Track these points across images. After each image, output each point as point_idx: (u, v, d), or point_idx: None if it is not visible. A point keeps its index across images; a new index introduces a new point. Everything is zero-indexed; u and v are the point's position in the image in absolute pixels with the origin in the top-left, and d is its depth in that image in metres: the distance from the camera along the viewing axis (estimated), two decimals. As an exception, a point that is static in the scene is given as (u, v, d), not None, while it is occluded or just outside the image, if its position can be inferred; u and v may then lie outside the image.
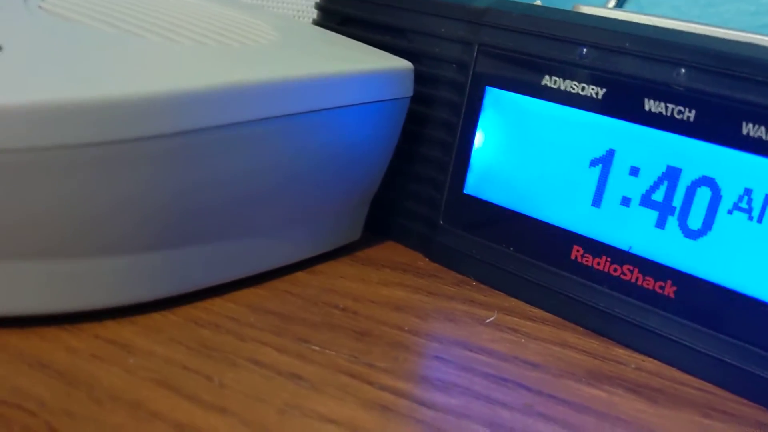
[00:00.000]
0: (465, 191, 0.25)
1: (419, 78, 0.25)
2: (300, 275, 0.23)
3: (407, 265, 0.25)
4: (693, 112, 0.20)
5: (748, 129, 0.19)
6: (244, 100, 0.18)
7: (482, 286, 0.24)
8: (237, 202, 0.20)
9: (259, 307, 0.20)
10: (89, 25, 0.20)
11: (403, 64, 0.23)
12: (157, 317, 0.19)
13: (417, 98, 0.25)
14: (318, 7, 0.29)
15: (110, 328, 0.18)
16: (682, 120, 0.20)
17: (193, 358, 0.17)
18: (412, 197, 0.26)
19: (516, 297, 0.24)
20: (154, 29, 0.20)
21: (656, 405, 0.18)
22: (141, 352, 0.17)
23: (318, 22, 0.29)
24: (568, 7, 0.25)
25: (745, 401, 0.19)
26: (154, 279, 0.19)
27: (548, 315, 0.23)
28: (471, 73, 0.24)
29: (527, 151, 0.23)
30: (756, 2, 0.39)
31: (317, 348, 0.18)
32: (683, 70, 0.20)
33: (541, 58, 0.22)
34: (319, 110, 0.20)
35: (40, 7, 0.20)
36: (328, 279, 0.23)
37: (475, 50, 0.24)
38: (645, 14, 0.23)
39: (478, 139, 0.24)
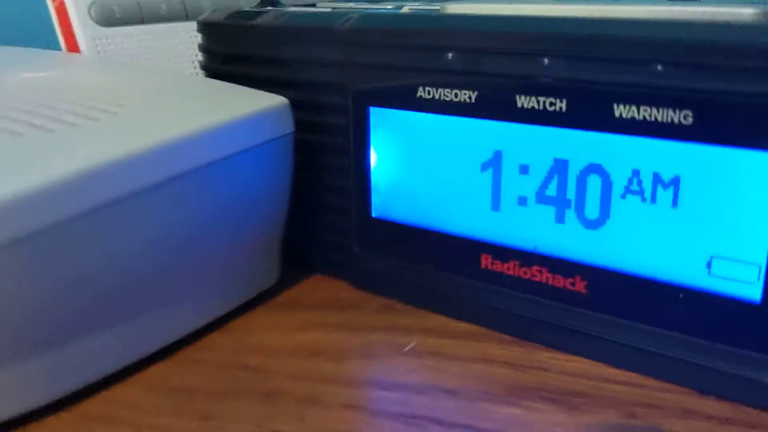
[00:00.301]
0: (372, 214, 0.24)
1: (307, 107, 0.24)
2: (213, 337, 0.22)
3: (329, 299, 0.24)
4: (564, 101, 0.19)
5: (620, 110, 0.18)
6: (108, 178, 0.18)
7: (407, 308, 0.23)
8: (127, 281, 0.19)
9: (162, 385, 0.19)
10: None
11: (277, 100, 0.22)
12: (50, 420, 0.18)
13: (307, 127, 0.24)
14: (201, 49, 0.28)
15: (0, 445, 0.17)
16: (555, 111, 0.19)
17: (87, 462, 0.17)
18: (325, 227, 0.26)
19: (439, 313, 0.23)
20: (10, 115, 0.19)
21: (576, 413, 0.18)
22: (31, 466, 0.16)
23: (203, 65, 0.28)
24: (438, 6, 0.24)
25: (670, 387, 0.18)
26: (41, 385, 0.18)
27: (473, 328, 0.22)
28: (350, 94, 0.23)
29: (421, 165, 0.22)
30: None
31: (219, 423, 0.18)
32: (544, 61, 0.19)
33: (412, 70, 0.21)
34: (194, 169, 0.20)
35: None
36: (242, 336, 0.22)
37: (351, 71, 0.23)
38: (510, 3, 0.22)
39: (373, 159, 0.23)
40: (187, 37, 0.38)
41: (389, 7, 0.26)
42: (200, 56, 0.29)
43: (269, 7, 0.28)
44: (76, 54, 0.34)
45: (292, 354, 0.21)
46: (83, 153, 0.18)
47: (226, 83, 0.25)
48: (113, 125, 0.20)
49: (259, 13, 0.26)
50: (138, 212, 0.18)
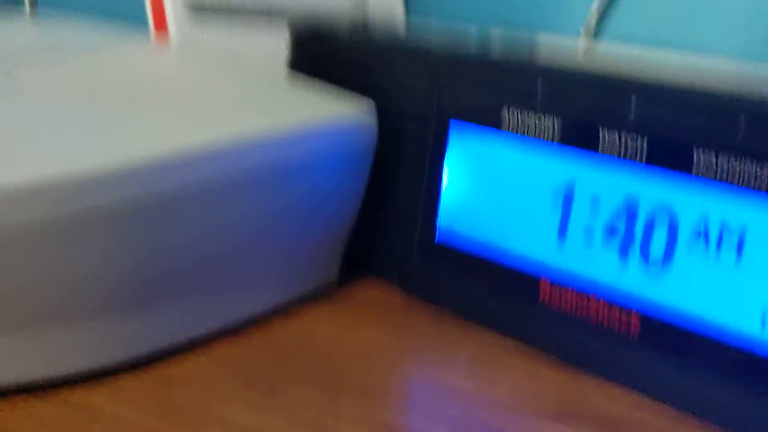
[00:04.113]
0: (437, 225, 0.25)
1: (388, 115, 0.25)
2: (275, 323, 0.23)
3: (384, 302, 0.25)
4: (645, 140, 0.20)
5: (700, 155, 0.19)
6: (201, 161, 0.19)
7: (458, 320, 0.24)
8: (205, 261, 0.20)
9: (230, 359, 0.20)
10: (54, 99, 0.20)
11: (365, 105, 0.24)
12: (127, 378, 0.19)
13: (386, 135, 0.25)
14: (288, 48, 0.30)
15: (80, 393, 0.18)
16: (636, 148, 0.20)
17: (162, 421, 0.18)
18: (388, 233, 0.27)
19: (490, 330, 0.24)
20: (106, 97, 0.21)
21: (623, 439, 0.18)
22: (109, 417, 0.18)
23: (289, 63, 0.30)
24: (528, 38, 0.25)
25: (712, 427, 0.19)
26: (124, 342, 0.19)
27: (522, 347, 0.23)
28: (435, 108, 0.24)
29: (492, 184, 0.23)
30: (732, 18, 0.39)
31: (286, 401, 0.19)
32: (633, 98, 0.20)
33: (499, 92, 0.22)
34: (279, 163, 0.21)
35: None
36: (303, 324, 0.23)
37: (438, 86, 0.24)
38: (600, 42, 0.23)
39: (446, 174, 0.24)
40: (268, 36, 0.39)
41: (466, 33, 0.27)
42: (286, 56, 0.30)
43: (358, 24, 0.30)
44: (166, 42, 0.35)
45: (351, 348, 0.22)
46: (180, 134, 0.19)
47: (315, 83, 0.26)
48: (207, 112, 0.21)
49: (351, 27, 0.28)
50: (221, 197, 0.20)
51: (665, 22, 0.39)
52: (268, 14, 0.39)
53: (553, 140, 0.22)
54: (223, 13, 0.37)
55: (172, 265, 0.19)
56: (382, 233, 0.27)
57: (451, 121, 0.24)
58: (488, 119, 0.23)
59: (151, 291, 0.19)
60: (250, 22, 0.38)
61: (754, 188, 0.18)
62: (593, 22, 0.39)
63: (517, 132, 0.22)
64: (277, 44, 0.38)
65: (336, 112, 0.23)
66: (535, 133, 0.22)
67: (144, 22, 0.37)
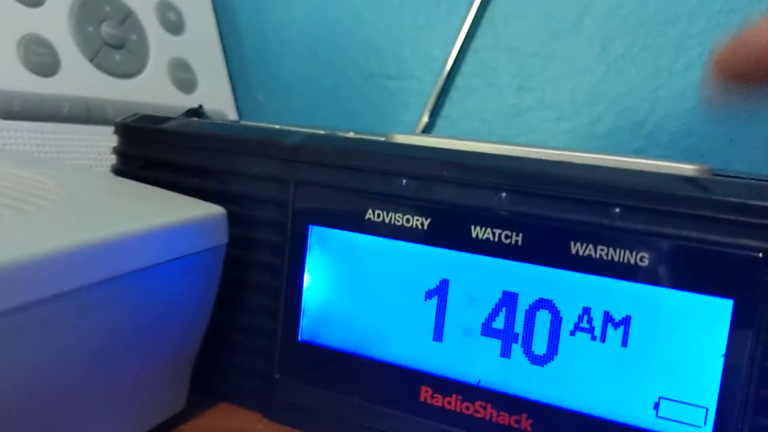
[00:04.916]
0: (300, 338, 0.22)
1: (237, 221, 0.23)
2: (114, 469, 0.19)
3: (243, 430, 0.22)
4: (520, 235, 0.19)
5: (576, 248, 0.18)
6: (13, 282, 0.15)
7: (329, 443, 0.22)
8: (21, 400, 0.16)
9: None
10: None
11: (213, 209, 0.21)
12: None
13: (236, 242, 0.22)
14: (116, 152, 0.27)
15: None
16: (510, 244, 0.19)
17: None
18: (242, 351, 0.24)
19: (368, 451, 0.21)
20: None
21: None
22: None
23: (117, 169, 0.27)
24: (383, 137, 0.24)
25: None
26: None
27: (405, 467, 0.21)
28: (290, 211, 0.22)
29: (360, 289, 0.22)
30: (557, 109, 0.42)
31: None
32: (503, 194, 0.19)
33: (362, 192, 0.21)
34: (113, 278, 0.17)
35: None
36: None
37: (292, 188, 0.22)
38: (460, 139, 0.22)
39: (307, 280, 0.22)
40: (87, 140, 0.36)
41: (321, 132, 0.26)
42: (113, 159, 0.27)
43: (195, 118, 0.28)
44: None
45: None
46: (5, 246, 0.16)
47: (158, 188, 0.23)
48: (34, 221, 0.18)
49: (188, 121, 0.25)
50: (44, 321, 0.16)
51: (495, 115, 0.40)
52: (87, 121, 0.35)
53: (421, 241, 0.20)
54: (36, 119, 0.33)
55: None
56: (237, 352, 0.24)
57: (310, 226, 0.22)
58: (351, 223, 0.21)
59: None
60: (65, 130, 0.34)
61: (635, 279, 0.18)
62: (424, 122, 0.39)
63: (384, 235, 0.21)
64: (101, 148, 0.35)
65: (186, 217, 0.20)
66: (403, 235, 0.21)
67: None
